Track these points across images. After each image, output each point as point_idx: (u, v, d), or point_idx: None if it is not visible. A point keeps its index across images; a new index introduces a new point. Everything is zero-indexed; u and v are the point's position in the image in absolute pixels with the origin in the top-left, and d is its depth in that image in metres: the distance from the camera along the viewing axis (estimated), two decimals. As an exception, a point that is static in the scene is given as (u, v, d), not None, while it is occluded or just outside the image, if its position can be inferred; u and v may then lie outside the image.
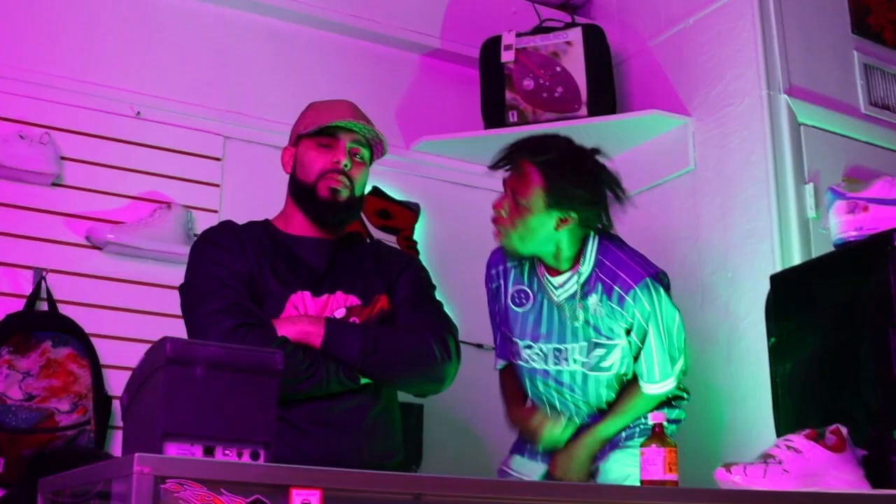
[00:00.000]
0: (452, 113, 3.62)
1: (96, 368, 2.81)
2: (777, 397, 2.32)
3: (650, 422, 1.96)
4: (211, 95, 3.24)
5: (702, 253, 3.14)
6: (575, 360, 2.44)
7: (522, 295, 2.51)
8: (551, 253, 2.42)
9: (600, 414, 2.51)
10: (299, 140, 2.27)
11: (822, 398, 2.22)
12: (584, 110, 3.37)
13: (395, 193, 3.44)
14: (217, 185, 3.18)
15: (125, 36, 3.18)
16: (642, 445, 1.94)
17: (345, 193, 2.22)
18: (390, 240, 3.34)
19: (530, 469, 2.58)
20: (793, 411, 2.27)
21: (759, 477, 1.91)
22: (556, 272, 2.45)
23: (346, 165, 2.22)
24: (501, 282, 2.54)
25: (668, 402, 2.50)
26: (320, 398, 2.07)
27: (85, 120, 3.04)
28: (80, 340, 2.82)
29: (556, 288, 2.45)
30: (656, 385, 2.44)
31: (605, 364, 2.44)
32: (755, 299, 2.80)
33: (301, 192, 2.24)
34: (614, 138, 3.21)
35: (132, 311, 2.95)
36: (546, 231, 2.36)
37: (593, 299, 2.40)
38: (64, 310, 2.85)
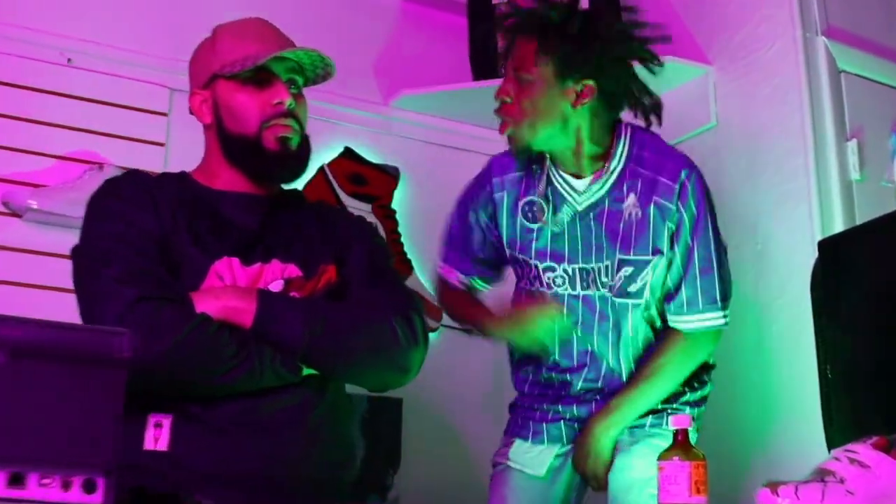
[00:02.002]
0: (437, 65, 3.29)
1: (10, 356, 2.41)
2: (828, 394, 1.91)
3: (670, 427, 1.56)
4: (155, 41, 2.89)
5: (726, 222, 2.70)
6: (602, 283, 2.08)
7: (536, 207, 2.12)
8: (570, 147, 2.05)
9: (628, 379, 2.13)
10: (214, 81, 1.87)
11: (888, 395, 1.81)
12: (587, 58, 2.99)
13: (371, 156, 3.15)
14: (162, 144, 2.85)
15: (54, -30, 2.84)
16: (660, 458, 1.55)
17: (295, 140, 1.87)
18: (364, 208, 3.05)
19: (537, 458, 2.18)
20: (849, 411, 1.86)
21: (817, 501, 1.49)
22: (578, 176, 2.07)
23: (290, 105, 1.85)
24: (504, 192, 2.16)
25: (689, 380, 2.14)
26: (250, 394, 1.69)
27: (4, 67, 2.70)
28: (-11, 323, 2.42)
29: (577, 193, 2.07)
30: (700, 316, 2.07)
31: (632, 288, 2.06)
32: (790, 274, 2.54)
33: (238, 147, 1.86)
34: (623, 90, 2.88)
35: (56, 290, 2.55)
36: (561, 112, 2.00)
37: (630, 201, 2.04)
38: (-26, 287, 2.50)
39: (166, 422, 1.63)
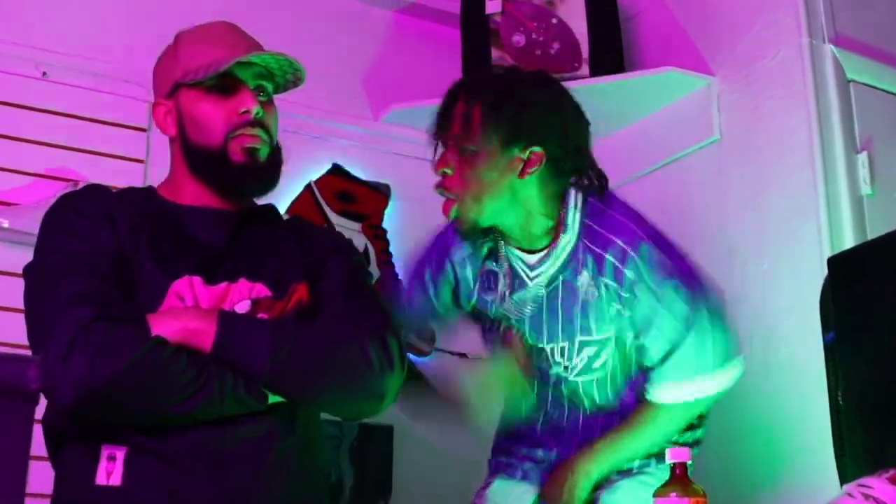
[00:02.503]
0: (429, 78, 3.11)
1: (-23, 383, 2.31)
2: (839, 422, 1.83)
3: (668, 460, 1.47)
4: (135, 53, 2.78)
5: (730, 240, 2.74)
6: (557, 363, 1.97)
7: (491, 277, 2.02)
8: (518, 222, 1.93)
9: (594, 420, 2.01)
10: (177, 90, 1.79)
11: (905, 424, 1.71)
12: (585, 69, 2.96)
13: (361, 173, 3.05)
14: (141, 161, 2.77)
15: (28, -19, 2.78)
16: (656, 495, 1.45)
17: (264, 151, 1.78)
18: (353, 227, 2.96)
19: (516, 501, 2.07)
20: (862, 442, 1.76)
21: (829, 541, 1.39)
22: (530, 251, 1.95)
23: (257, 113, 1.77)
24: (466, 261, 2.08)
25: None
26: (210, 423, 1.59)
27: (-25, 81, 2.64)
28: (-42, 349, 2.35)
29: (530, 270, 1.95)
30: (693, 385, 1.90)
31: (596, 364, 1.95)
32: (799, 295, 2.45)
33: (203, 159, 1.79)
34: (622, 103, 2.90)
35: (27, 312, 2.49)
36: (508, 183, 1.88)
37: (584, 279, 1.90)
38: (-59, 311, 2.40)
39: (120, 454, 1.55)
